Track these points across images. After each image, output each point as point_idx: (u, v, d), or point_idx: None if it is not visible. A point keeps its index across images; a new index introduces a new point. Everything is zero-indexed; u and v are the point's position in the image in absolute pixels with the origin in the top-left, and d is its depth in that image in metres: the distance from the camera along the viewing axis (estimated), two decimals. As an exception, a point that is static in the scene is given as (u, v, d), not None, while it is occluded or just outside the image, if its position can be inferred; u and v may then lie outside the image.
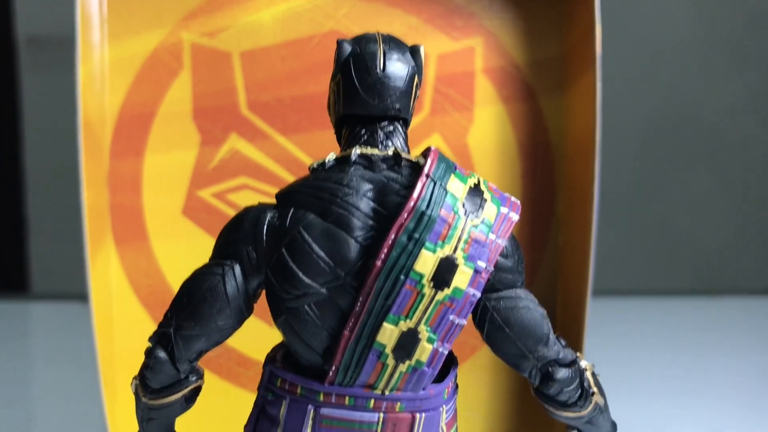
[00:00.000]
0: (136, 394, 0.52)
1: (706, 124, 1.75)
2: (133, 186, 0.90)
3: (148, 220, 0.91)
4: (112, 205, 0.90)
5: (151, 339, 0.50)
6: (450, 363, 0.53)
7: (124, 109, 0.89)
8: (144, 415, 0.52)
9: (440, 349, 0.48)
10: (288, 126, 0.90)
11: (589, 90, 0.85)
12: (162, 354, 0.49)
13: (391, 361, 0.48)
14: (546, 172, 0.93)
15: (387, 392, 0.49)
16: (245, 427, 0.52)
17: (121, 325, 0.89)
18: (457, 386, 0.53)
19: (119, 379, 0.88)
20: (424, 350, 0.48)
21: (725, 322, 1.63)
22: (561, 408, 0.52)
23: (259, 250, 0.49)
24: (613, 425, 0.55)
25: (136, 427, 0.56)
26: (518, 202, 0.51)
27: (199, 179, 0.90)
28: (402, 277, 0.47)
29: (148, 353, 0.50)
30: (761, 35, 1.75)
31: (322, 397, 0.49)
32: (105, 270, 0.89)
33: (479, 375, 0.95)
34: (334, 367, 0.48)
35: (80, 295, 1.66)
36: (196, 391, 0.52)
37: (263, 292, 0.51)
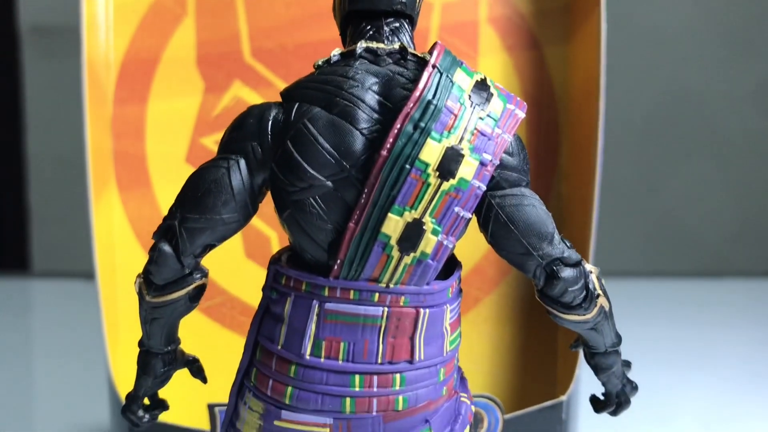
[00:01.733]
0: (140, 293, 0.51)
1: (707, 114, 1.76)
2: (136, 133, 0.90)
3: (151, 167, 0.91)
4: (116, 152, 0.90)
5: (155, 234, 0.50)
6: (454, 267, 0.52)
7: (128, 56, 0.89)
8: (147, 315, 0.51)
9: (445, 242, 0.48)
10: (291, 73, 0.89)
11: (593, 38, 0.85)
12: (167, 247, 0.49)
13: (395, 253, 0.48)
14: (550, 123, 0.93)
15: (391, 285, 0.48)
16: (249, 329, 0.52)
17: (124, 271, 0.89)
18: (461, 290, 0.53)
19: (122, 325, 0.88)
20: (429, 242, 0.48)
21: (726, 302, 1.63)
22: (565, 311, 0.51)
23: (264, 146, 0.49)
24: (618, 337, 0.55)
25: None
26: (524, 102, 0.51)
27: (202, 127, 0.90)
28: (407, 166, 0.47)
29: (153, 248, 0.49)
30: (765, 25, 1.75)
31: (326, 292, 0.49)
32: (108, 216, 0.89)
33: (482, 327, 0.95)
34: (339, 261, 0.48)
35: (81, 274, 1.67)
36: (201, 290, 0.52)
37: (268, 194, 0.51)
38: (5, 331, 1.46)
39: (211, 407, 0.75)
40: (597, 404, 0.58)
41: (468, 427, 0.53)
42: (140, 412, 0.55)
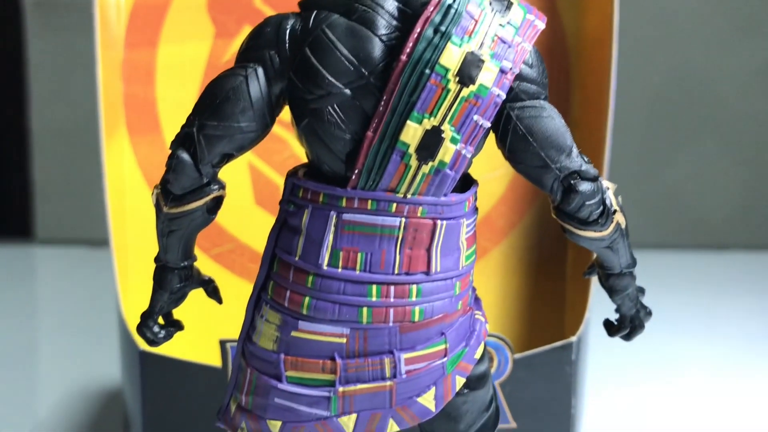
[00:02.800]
0: (157, 204, 0.51)
1: (714, 93, 1.76)
2: (147, 77, 0.90)
3: (162, 112, 0.91)
4: (126, 96, 0.90)
5: (173, 143, 0.50)
6: (470, 184, 0.52)
7: (139, 0, 0.89)
8: (164, 228, 0.52)
9: (463, 152, 0.48)
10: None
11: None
12: (185, 155, 0.49)
13: (414, 162, 0.48)
14: (561, 72, 0.92)
15: (409, 196, 0.48)
16: (266, 243, 0.52)
17: (134, 217, 0.89)
18: (476, 208, 0.53)
19: (132, 270, 0.88)
20: (447, 151, 0.48)
21: (730, 273, 1.64)
22: (582, 227, 0.51)
23: (282, 55, 0.49)
24: (633, 259, 0.55)
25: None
26: (544, 15, 0.51)
27: (213, 72, 0.88)
28: (427, 71, 0.47)
29: (171, 156, 0.49)
30: (772, 5, 1.75)
31: (344, 203, 0.48)
32: (119, 161, 0.89)
33: (489, 277, 0.95)
34: (356, 170, 0.48)
35: (85, 241, 1.68)
36: (218, 202, 0.52)
37: (286, 107, 0.51)
38: (10, 295, 1.48)
39: (222, 343, 0.75)
40: (611, 328, 0.58)
41: (482, 344, 0.53)
42: (156, 328, 0.55)
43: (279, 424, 0.51)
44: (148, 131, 0.91)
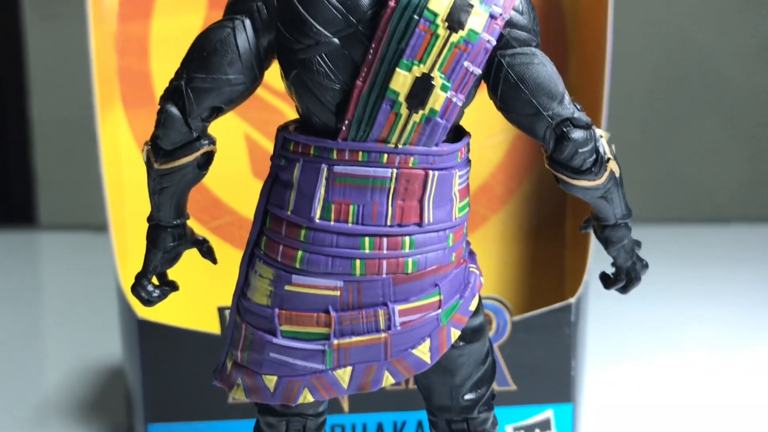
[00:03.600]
0: (148, 162, 0.51)
1: (715, 71, 1.76)
2: (141, 50, 0.89)
3: (157, 85, 0.90)
4: (120, 69, 0.90)
5: (162, 97, 0.50)
6: (463, 133, 0.52)
7: (131, -29, 0.88)
8: (155, 185, 0.51)
9: (454, 99, 0.48)
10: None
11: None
12: (174, 109, 0.49)
13: (404, 111, 0.47)
14: (558, 35, 0.92)
15: (400, 146, 0.48)
16: (258, 200, 0.52)
17: (131, 190, 0.89)
18: (469, 161, 0.52)
19: (131, 245, 0.88)
20: (438, 98, 0.48)
21: (733, 245, 1.64)
22: (575, 176, 0.51)
23: (270, 6, 0.48)
24: (628, 209, 0.55)
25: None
26: None
27: (207, 44, 0.89)
28: (416, 17, 0.46)
29: (160, 110, 0.49)
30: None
31: (335, 155, 0.48)
32: (114, 134, 0.89)
33: (489, 245, 0.95)
34: (347, 122, 0.48)
35: (86, 226, 1.68)
36: (209, 158, 0.51)
37: (275, 61, 0.51)
38: (16, 279, 1.49)
39: (221, 310, 0.75)
40: (607, 281, 0.57)
41: (477, 297, 0.53)
42: (150, 287, 0.55)
43: (275, 378, 0.50)
44: (143, 104, 0.90)
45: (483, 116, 0.97)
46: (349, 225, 0.49)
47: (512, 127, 1.05)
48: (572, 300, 0.76)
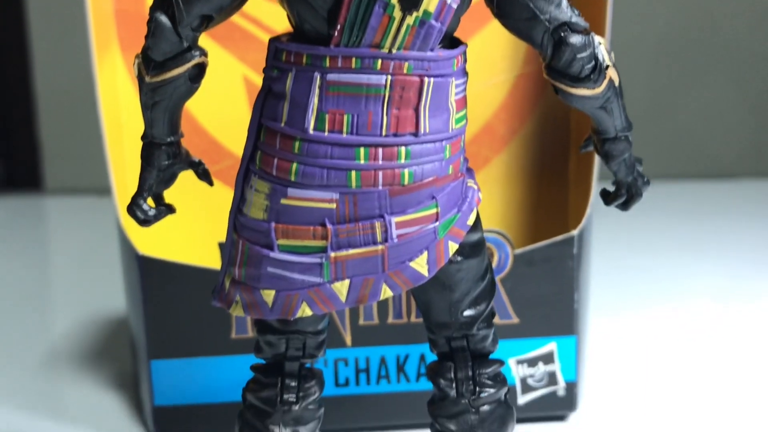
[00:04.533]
0: (139, 75, 0.51)
1: (722, 32, 1.74)
2: (137, -9, 0.89)
3: (154, 27, 0.90)
4: (117, 11, 0.89)
5: (152, 7, 0.49)
6: (459, 42, 0.51)
7: None
8: (148, 99, 0.51)
9: (448, 1, 0.47)
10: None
11: None
12: (163, 18, 0.48)
13: (397, 13, 0.46)
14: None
15: (394, 50, 0.47)
16: (252, 114, 0.51)
17: (130, 131, 0.88)
18: (467, 72, 0.52)
19: (132, 187, 0.88)
20: (432, 1, 0.47)
21: (741, 201, 1.63)
22: (574, 84, 0.50)
23: None
24: (629, 122, 0.54)
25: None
26: None
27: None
28: None
29: (150, 20, 0.48)
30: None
31: (328, 62, 0.47)
32: (112, 76, 0.88)
33: (492, 187, 0.94)
34: (339, 26, 0.47)
35: (93, 190, 1.69)
36: (201, 70, 0.51)
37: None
38: (25, 241, 1.51)
39: (222, 246, 0.74)
40: (607, 197, 0.57)
41: (475, 211, 0.52)
42: (146, 206, 0.54)
43: (272, 293, 0.50)
44: (140, 46, 0.89)
45: (485, 56, 0.96)
46: (344, 135, 0.48)
47: (515, 67, 1.05)
48: (575, 232, 0.75)
